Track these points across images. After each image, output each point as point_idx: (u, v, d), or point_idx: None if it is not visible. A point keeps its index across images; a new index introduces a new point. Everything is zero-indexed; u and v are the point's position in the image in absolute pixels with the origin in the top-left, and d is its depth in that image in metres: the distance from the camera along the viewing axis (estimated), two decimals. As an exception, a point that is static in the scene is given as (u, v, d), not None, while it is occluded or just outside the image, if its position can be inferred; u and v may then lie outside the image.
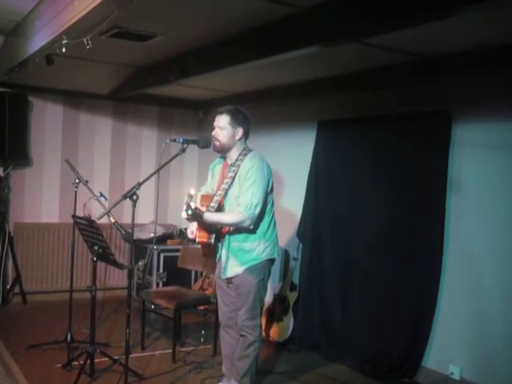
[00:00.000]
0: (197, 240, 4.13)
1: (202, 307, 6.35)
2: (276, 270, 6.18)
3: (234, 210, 4.00)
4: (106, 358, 4.61)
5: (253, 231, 4.06)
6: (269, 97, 6.39)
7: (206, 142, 4.13)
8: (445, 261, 4.65)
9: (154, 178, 3.94)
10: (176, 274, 6.65)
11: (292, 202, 6.02)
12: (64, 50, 4.07)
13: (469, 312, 4.50)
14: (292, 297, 5.56)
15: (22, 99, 6.72)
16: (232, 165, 4.10)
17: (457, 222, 4.61)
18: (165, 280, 6.90)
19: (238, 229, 4.05)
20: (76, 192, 5.11)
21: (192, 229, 4.22)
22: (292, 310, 5.52)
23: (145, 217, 7.31)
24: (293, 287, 5.64)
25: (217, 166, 4.34)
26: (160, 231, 7.30)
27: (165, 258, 6.95)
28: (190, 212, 3.66)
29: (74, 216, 4.79)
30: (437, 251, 4.65)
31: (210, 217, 3.93)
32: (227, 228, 4.10)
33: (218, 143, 4.09)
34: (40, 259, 7.05)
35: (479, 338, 4.41)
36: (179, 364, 4.99)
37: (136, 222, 3.93)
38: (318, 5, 3.58)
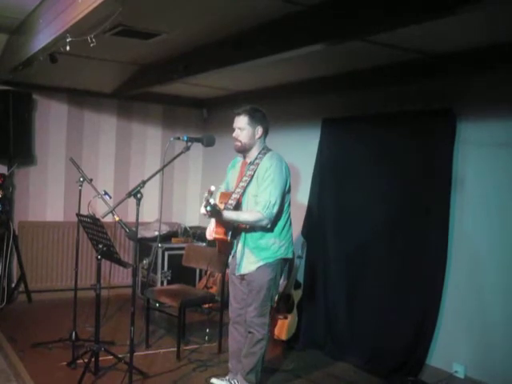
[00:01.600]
0: (213, 236, 4.18)
1: (206, 305, 6.33)
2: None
3: (252, 208, 4.08)
4: (111, 356, 4.62)
5: (269, 229, 4.13)
6: (273, 95, 6.39)
7: (210, 140, 4.14)
8: (449, 259, 4.64)
9: (158, 176, 3.94)
10: (180, 272, 6.65)
11: (297, 199, 6.00)
12: (68, 48, 4.07)
13: (473, 310, 4.49)
14: (297, 295, 5.55)
15: (26, 97, 6.71)
16: (251, 163, 4.19)
17: (461, 221, 4.60)
18: (169, 278, 6.91)
19: (254, 226, 4.12)
20: (80, 190, 5.11)
21: (210, 228, 4.28)
22: (297, 308, 5.52)
23: (149, 215, 7.32)
24: (297, 285, 5.63)
25: (236, 165, 4.43)
26: (164, 229, 7.30)
27: (169, 256, 6.96)
28: (208, 208, 3.76)
29: (78, 214, 4.79)
30: (441, 250, 4.64)
31: (229, 215, 4.01)
32: (244, 225, 4.16)
33: (238, 144, 4.18)
34: (44, 258, 7.06)
35: (483, 337, 4.40)
36: (184, 362, 4.99)
37: (140, 220, 3.94)
38: (321, 3, 3.58)
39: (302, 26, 3.85)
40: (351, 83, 5.37)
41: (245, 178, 4.16)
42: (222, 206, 4.02)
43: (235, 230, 4.19)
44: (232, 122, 4.24)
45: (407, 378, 4.65)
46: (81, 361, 4.58)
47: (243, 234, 4.19)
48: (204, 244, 7.09)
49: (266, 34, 4.15)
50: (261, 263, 4.13)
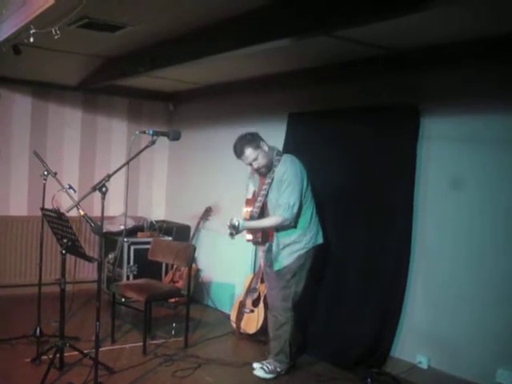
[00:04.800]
0: (246, 239, 4.73)
1: (172, 300, 6.33)
2: (247, 262, 6.20)
3: (276, 211, 4.52)
4: (76, 352, 4.58)
5: (297, 226, 4.57)
6: (239, 89, 6.40)
7: (176, 134, 4.13)
8: (412, 253, 4.71)
9: (123, 170, 3.92)
10: (147, 266, 6.61)
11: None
12: (32, 39, 4.02)
13: (436, 302, 4.57)
14: (263, 289, 5.57)
15: (-11, 90, 6.61)
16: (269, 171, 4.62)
17: (424, 215, 4.66)
18: (135, 273, 6.87)
19: (283, 226, 4.54)
20: (45, 184, 5.04)
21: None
22: (263, 301, 5.54)
23: (115, 209, 7.27)
24: (263, 279, 5.65)
25: (255, 176, 4.83)
26: (130, 223, 7.25)
27: (135, 250, 6.92)
28: (235, 234, 4.38)
29: (42, 208, 4.74)
30: (404, 244, 4.71)
31: (252, 225, 4.57)
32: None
33: (263, 169, 4.58)
34: (8, 252, 6.95)
35: (446, 328, 4.48)
36: (150, 357, 4.98)
37: (106, 214, 3.91)
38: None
39: (269, 21, 3.86)
40: (318, 78, 5.40)
41: (264, 186, 4.60)
42: (247, 213, 4.64)
43: (265, 233, 4.69)
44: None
45: (372, 370, 4.71)
46: (45, 357, 4.52)
47: (275, 234, 4.64)
48: (170, 238, 7.07)
49: (233, 28, 4.15)
50: (294, 256, 4.56)
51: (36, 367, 4.52)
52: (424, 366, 4.61)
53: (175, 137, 4.13)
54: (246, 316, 5.60)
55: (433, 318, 4.60)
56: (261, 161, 4.51)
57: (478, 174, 4.30)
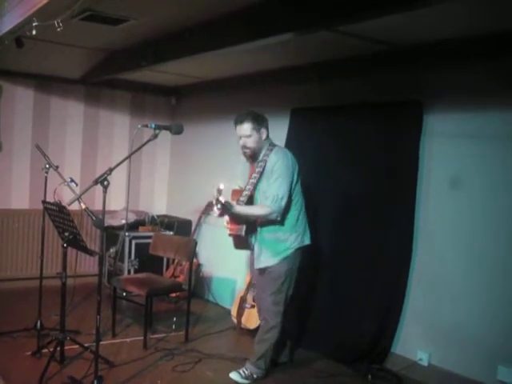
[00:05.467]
0: (228, 233, 4.39)
1: (173, 294, 6.33)
2: (246, 258, 6.19)
3: (264, 203, 4.27)
4: (77, 346, 4.59)
5: (283, 223, 4.33)
6: (242, 84, 6.38)
7: (178, 128, 4.11)
8: (415, 248, 4.71)
9: (125, 163, 3.91)
10: (148, 261, 6.62)
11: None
12: (34, 32, 4.01)
13: (437, 299, 4.56)
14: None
15: (-9, 83, 6.61)
16: (259, 160, 4.38)
17: (427, 212, 4.66)
18: (136, 267, 6.87)
19: (268, 221, 4.30)
20: (46, 178, 5.05)
21: (226, 219, 4.43)
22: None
23: (116, 203, 7.27)
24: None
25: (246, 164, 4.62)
26: (132, 218, 7.25)
27: (136, 244, 6.92)
28: (219, 206, 3.91)
29: (44, 202, 4.73)
30: (407, 238, 4.70)
31: (239, 209, 4.20)
32: (258, 220, 4.36)
33: (248, 151, 4.36)
34: (9, 246, 6.95)
35: (447, 325, 4.48)
36: (150, 351, 4.97)
37: (107, 208, 3.92)
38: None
39: (272, 16, 3.85)
40: (321, 74, 5.38)
41: (254, 175, 4.36)
42: (233, 203, 4.21)
43: (249, 225, 4.35)
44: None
45: (372, 366, 4.71)
46: (46, 350, 4.52)
47: (259, 229, 4.38)
48: (171, 233, 7.07)
49: (235, 23, 4.14)
50: (280, 256, 4.32)
51: (36, 360, 4.52)
52: (425, 362, 4.61)
53: (177, 131, 4.11)
54: (246, 311, 5.60)
55: (434, 315, 4.59)
56: (250, 142, 4.30)
57: (481, 170, 4.29)
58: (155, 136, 3.91)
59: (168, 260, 7.06)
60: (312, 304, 5.37)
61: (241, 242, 4.52)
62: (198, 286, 6.83)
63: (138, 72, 5.97)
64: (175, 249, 5.53)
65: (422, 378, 4.57)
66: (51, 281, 5.64)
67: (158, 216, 7.57)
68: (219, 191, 3.87)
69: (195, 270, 6.63)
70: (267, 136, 4.40)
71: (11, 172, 6.99)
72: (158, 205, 8.08)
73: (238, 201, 4.31)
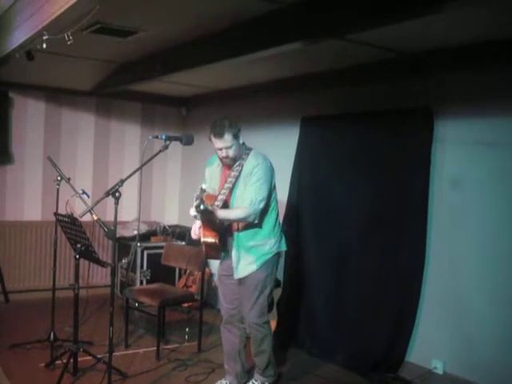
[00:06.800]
0: (202, 240, 4.09)
1: (186, 304, 6.33)
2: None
3: (240, 206, 4.08)
4: (90, 357, 4.59)
5: (262, 227, 4.17)
6: (252, 93, 6.39)
7: (189, 139, 4.12)
8: (428, 257, 4.67)
9: (137, 175, 3.91)
10: (160, 271, 6.62)
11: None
12: (45, 45, 4.03)
13: (451, 307, 4.53)
14: (276, 294, 5.55)
15: (3, 96, 6.65)
16: (236, 164, 4.17)
17: (440, 218, 4.63)
18: (148, 277, 6.87)
19: (246, 226, 4.14)
20: (58, 189, 5.07)
21: (194, 229, 4.26)
22: (276, 306, 5.51)
23: (128, 214, 7.27)
24: (277, 284, 5.63)
25: (214, 163, 4.39)
26: (143, 228, 7.27)
27: (148, 255, 6.92)
28: (202, 207, 3.73)
29: (56, 213, 4.75)
30: (420, 247, 4.67)
31: (221, 213, 4.00)
32: (235, 226, 4.17)
33: (228, 160, 4.15)
34: (22, 257, 6.99)
35: (462, 333, 4.44)
36: (163, 362, 4.97)
37: (119, 219, 3.91)
38: (300, 1, 3.58)
39: (282, 25, 3.84)
40: (330, 82, 5.37)
41: (230, 179, 4.16)
42: (215, 207, 4.01)
43: (225, 232, 4.17)
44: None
45: (387, 375, 4.68)
46: (59, 361, 4.53)
47: (236, 235, 4.18)
48: (183, 243, 7.07)
49: (246, 33, 4.14)
50: (259, 262, 4.15)
51: (50, 372, 4.53)
52: (440, 371, 4.57)
53: (188, 141, 4.12)
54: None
55: (448, 323, 4.55)
56: (232, 152, 4.08)
57: (494, 176, 4.26)
58: (166, 147, 3.91)
59: (180, 270, 7.06)
60: (325, 313, 5.34)
61: (214, 251, 4.23)
62: (210, 295, 6.82)
63: (148, 83, 5.99)
64: (187, 259, 5.53)
65: (437, 387, 4.54)
66: (64, 292, 5.65)
67: (170, 226, 7.59)
68: (202, 191, 3.79)
69: (207, 280, 6.62)
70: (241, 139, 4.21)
71: (23, 184, 7.03)
72: (170, 215, 8.08)
73: (212, 206, 4.04)
